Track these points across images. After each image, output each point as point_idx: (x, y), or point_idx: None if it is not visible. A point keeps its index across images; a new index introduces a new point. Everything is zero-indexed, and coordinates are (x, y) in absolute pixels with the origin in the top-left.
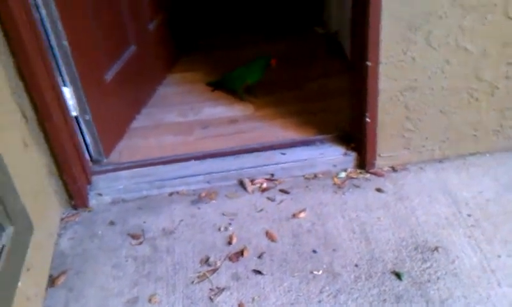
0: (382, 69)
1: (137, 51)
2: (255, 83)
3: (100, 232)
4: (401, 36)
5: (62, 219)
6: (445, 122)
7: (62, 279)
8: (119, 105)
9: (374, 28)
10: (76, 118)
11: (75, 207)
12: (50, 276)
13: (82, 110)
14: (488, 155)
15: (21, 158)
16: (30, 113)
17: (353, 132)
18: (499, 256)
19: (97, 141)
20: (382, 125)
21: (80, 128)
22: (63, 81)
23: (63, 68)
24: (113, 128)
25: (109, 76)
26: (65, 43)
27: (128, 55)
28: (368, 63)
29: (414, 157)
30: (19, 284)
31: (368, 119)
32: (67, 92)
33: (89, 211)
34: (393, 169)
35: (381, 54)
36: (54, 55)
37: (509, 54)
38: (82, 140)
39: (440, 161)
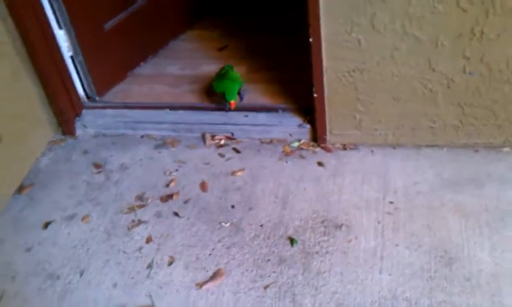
0: (326, 47)
1: (146, 6)
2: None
3: (73, 157)
4: (343, 16)
5: (50, 142)
6: (398, 109)
7: (28, 189)
8: (118, 53)
9: (313, 5)
10: (72, 57)
11: (63, 134)
12: (21, 185)
13: (75, 52)
14: (445, 149)
15: (10, 85)
16: (20, 47)
17: (309, 105)
18: (397, 245)
19: (89, 80)
20: (331, 102)
21: (76, 67)
22: (58, 24)
23: (58, 13)
24: (109, 72)
25: (109, 25)
26: None
27: (135, 9)
28: (310, 39)
29: (366, 139)
30: None
31: (315, 94)
32: (61, 34)
33: (74, 139)
34: (344, 147)
35: (323, 31)
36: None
37: (464, 46)
38: (77, 77)
39: (394, 147)
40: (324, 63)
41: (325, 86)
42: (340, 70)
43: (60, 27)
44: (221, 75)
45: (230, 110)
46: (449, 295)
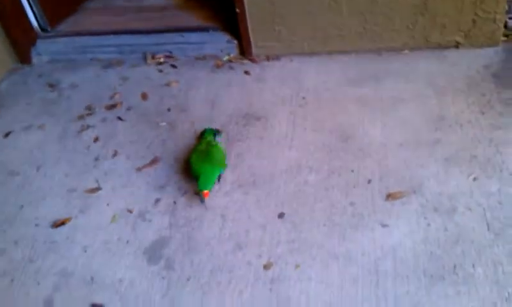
0: None
1: None
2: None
3: (29, 81)
4: None
5: (9, 70)
6: (311, 22)
7: None
8: None
9: None
10: None
11: (21, 62)
12: None
13: None
14: (353, 54)
15: None
16: None
17: (235, 23)
18: (305, 129)
19: (41, 12)
20: (252, 17)
21: (28, 1)
22: None
23: None
24: (60, 5)
25: None
26: None
27: None
28: None
29: (286, 50)
30: None
31: (237, 10)
32: None
33: (30, 66)
34: (268, 58)
35: None
36: None
37: None
38: (30, 10)
39: (310, 56)
40: None
41: (245, 2)
42: None
43: None
44: (201, 152)
45: (202, 201)
46: (345, 161)
